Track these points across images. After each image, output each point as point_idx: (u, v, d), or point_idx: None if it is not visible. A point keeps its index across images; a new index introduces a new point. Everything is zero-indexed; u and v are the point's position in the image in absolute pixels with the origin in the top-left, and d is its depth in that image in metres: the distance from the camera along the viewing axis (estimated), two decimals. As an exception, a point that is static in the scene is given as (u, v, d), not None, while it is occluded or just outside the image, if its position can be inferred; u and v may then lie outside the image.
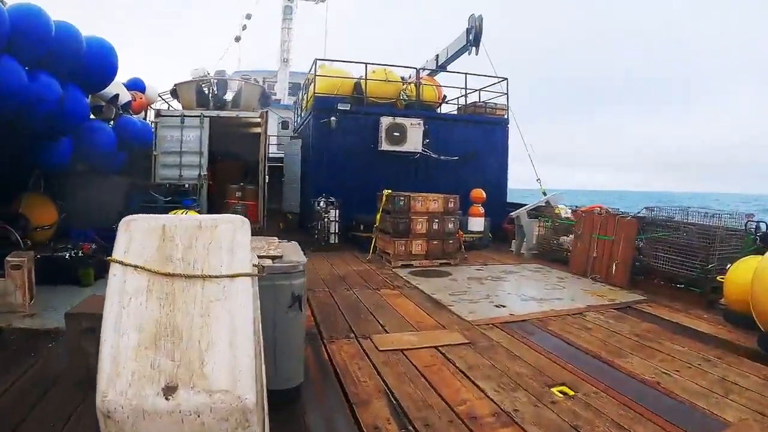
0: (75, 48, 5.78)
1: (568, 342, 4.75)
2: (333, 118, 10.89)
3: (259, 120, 9.94)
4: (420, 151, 11.51)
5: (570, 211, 10.71)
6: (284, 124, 17.68)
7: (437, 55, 14.35)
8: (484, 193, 11.59)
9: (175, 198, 9.28)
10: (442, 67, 13.95)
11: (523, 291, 6.98)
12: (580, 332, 5.05)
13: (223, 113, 10.56)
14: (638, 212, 7.85)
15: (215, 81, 11.93)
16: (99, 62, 6.35)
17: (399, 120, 11.21)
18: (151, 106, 10.73)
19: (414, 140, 11.31)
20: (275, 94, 20.96)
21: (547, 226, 10.25)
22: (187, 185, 9.64)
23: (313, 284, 7.01)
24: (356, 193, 10.92)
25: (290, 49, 22.67)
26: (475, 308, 5.90)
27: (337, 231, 10.18)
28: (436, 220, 8.86)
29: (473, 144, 12.65)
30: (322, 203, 10.15)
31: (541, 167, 13.30)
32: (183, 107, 11.45)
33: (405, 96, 12.27)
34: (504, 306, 6.06)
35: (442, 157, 12.05)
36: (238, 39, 20.06)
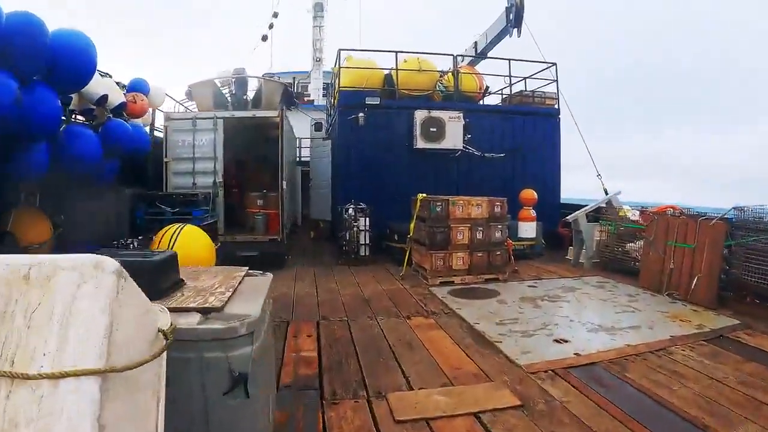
0: (35, 41, 4.77)
1: (657, 399, 3.35)
2: (361, 114, 9.67)
3: (276, 119, 8.84)
4: (461, 148, 10.13)
5: (637, 212, 9.07)
6: (317, 126, 16.64)
7: (476, 42, 12.92)
8: (536, 194, 10.11)
9: (184, 209, 8.29)
10: (482, 54, 12.50)
11: (587, 316, 5.50)
12: (669, 382, 3.64)
13: (237, 113, 9.54)
14: (725, 213, 6.21)
15: (233, 80, 10.96)
16: (72, 58, 5.34)
17: (436, 113, 9.87)
18: (160, 109, 9.84)
19: (453, 136, 9.93)
20: (308, 95, 20.04)
21: (611, 231, 8.66)
22: (200, 194, 8.65)
23: (330, 310, 5.81)
24: (390, 199, 9.68)
25: (323, 48, 21.73)
26: (529, 345, 4.50)
27: (367, 242, 8.94)
28: (480, 229, 7.45)
29: (520, 138, 11.16)
30: (350, 210, 8.93)
31: (588, 175, 11.55)
32: (199, 110, 10.53)
33: (442, 87, 10.92)
34: (566, 341, 4.62)
35: (485, 155, 10.63)
36: (265, 38, 19.28)
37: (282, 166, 8.67)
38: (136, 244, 7.15)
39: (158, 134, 10.12)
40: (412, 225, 7.68)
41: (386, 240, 9.44)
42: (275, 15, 20.68)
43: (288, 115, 12.99)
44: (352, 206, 8.96)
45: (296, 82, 21.29)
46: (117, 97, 7.17)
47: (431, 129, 9.75)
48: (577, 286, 7.09)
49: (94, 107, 7.06)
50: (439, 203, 7.24)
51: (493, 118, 11.09)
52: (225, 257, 7.94)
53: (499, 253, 7.64)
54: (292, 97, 12.09)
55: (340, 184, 10.12)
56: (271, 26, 20.42)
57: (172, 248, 5.76)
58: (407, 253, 7.80)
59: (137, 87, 8.78)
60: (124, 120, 7.33)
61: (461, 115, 10.08)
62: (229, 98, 10.76)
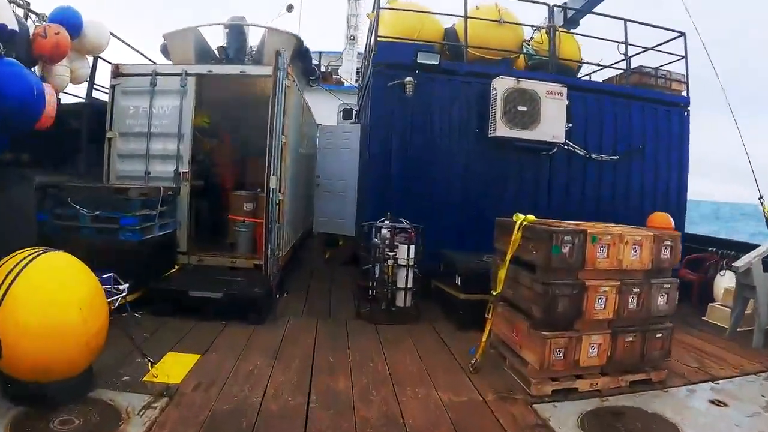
0: None
1: None
2: (409, 79, 6.12)
3: (269, 74, 5.38)
4: (562, 142, 6.51)
5: None
6: (346, 113, 13.25)
7: (565, 2, 9.24)
8: (672, 222, 6.57)
9: (108, 213, 4.93)
10: (581, 12, 8.81)
11: None
12: None
13: (218, 68, 6.15)
14: None
15: (225, 29, 7.58)
16: None
17: (528, 84, 6.25)
18: (106, 59, 6.55)
19: (552, 121, 6.32)
20: (339, 77, 16.68)
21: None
22: (139, 190, 5.29)
23: None
24: (447, 213, 6.17)
25: (358, 24, 18.40)
26: None
27: (409, 285, 5.36)
28: (636, 290, 3.84)
29: (639, 135, 7.48)
30: (384, 231, 5.40)
31: (712, 182, 7.39)
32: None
33: (531, 50, 7.29)
34: None
35: (592, 155, 6.99)
36: (290, 8, 15.91)
37: (273, 149, 5.13)
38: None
39: (103, 96, 6.81)
40: (501, 273, 4.06)
41: (439, 280, 5.91)
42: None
43: (308, 95, 9.62)
44: (388, 224, 5.44)
45: (326, 64, 17.85)
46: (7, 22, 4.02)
47: (520, 107, 6.14)
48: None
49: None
50: (568, 237, 3.62)
51: (603, 101, 7.37)
52: (174, 299, 4.61)
53: (660, 335, 4.00)
54: (310, 62, 8.64)
55: (370, 188, 6.57)
56: (299, -5, 17.04)
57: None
58: (487, 327, 4.17)
59: (61, 18, 5.51)
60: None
61: (565, 90, 6.45)
62: (217, 53, 7.38)
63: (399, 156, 6.32)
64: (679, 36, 8.00)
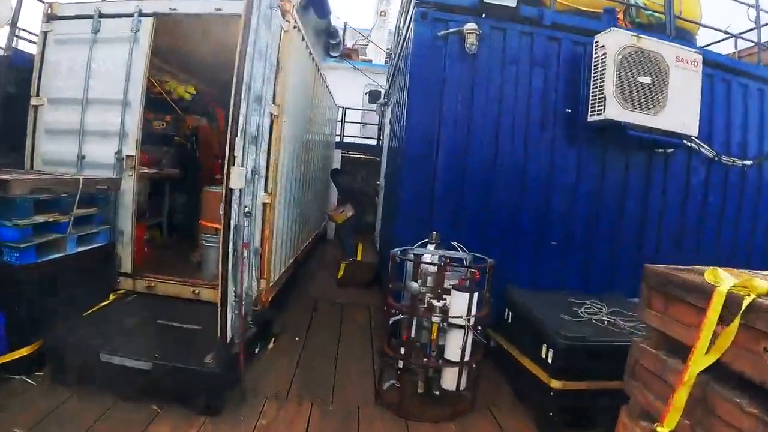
0: None
1: None
2: (471, 27, 4.01)
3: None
4: (694, 134, 4.32)
5: None
6: (374, 96, 11.29)
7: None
8: None
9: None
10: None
11: None
12: None
13: (184, 5, 4.11)
14: None
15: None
16: None
17: (650, 44, 4.07)
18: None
19: (683, 102, 4.14)
20: (366, 56, 14.70)
21: None
22: (97, 186, 3.37)
23: None
24: (515, 232, 4.14)
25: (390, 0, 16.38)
26: None
27: (467, 358, 3.24)
28: None
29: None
30: (427, 263, 3.35)
31: None
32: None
33: (640, 2, 5.07)
34: None
35: (722, 159, 4.82)
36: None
37: (240, 121, 2.98)
38: None
39: (30, 48, 4.93)
40: (679, 395, 1.96)
41: (503, 334, 3.84)
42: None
43: (328, 73, 7.61)
44: (434, 253, 3.38)
45: (352, 44, 15.78)
46: None
47: (640, 79, 3.97)
48: None
49: None
50: None
51: (731, 83, 5.13)
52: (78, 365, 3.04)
53: None
54: (328, 20, 6.59)
55: (402, 191, 4.44)
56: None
57: None
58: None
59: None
60: None
61: (700, 59, 4.26)
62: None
63: (448, 147, 4.21)
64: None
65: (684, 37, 5.30)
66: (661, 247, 4.68)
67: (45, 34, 4.37)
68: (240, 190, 2.79)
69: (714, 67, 4.86)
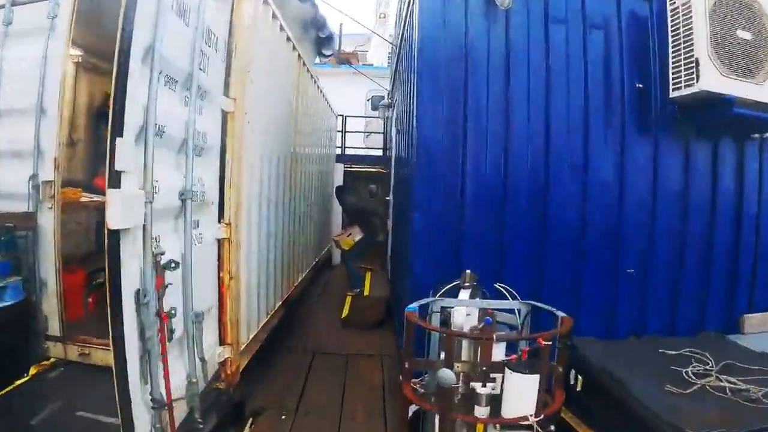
0: None
1: None
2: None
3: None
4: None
5: None
6: (377, 101, 10.39)
7: None
8: None
9: None
10: None
11: None
12: None
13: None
14: None
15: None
16: None
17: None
18: None
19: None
20: (366, 61, 13.83)
21: None
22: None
23: None
24: (583, 261, 2.94)
25: (389, 1, 15.69)
26: None
27: None
28: None
29: None
30: (459, 322, 2.20)
31: None
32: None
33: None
34: None
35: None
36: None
37: (121, 116, 1.82)
38: None
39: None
40: None
41: (577, 412, 2.65)
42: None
43: (324, 79, 6.68)
44: (470, 306, 2.24)
45: (352, 50, 14.83)
46: None
47: (740, 33, 2.83)
48: None
49: None
50: None
51: None
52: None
53: None
54: (319, 15, 5.53)
55: (416, 220, 3.21)
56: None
57: None
58: None
59: None
60: None
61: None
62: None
63: (476, 146, 3.06)
64: None
65: None
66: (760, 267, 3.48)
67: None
68: (141, 229, 1.66)
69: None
